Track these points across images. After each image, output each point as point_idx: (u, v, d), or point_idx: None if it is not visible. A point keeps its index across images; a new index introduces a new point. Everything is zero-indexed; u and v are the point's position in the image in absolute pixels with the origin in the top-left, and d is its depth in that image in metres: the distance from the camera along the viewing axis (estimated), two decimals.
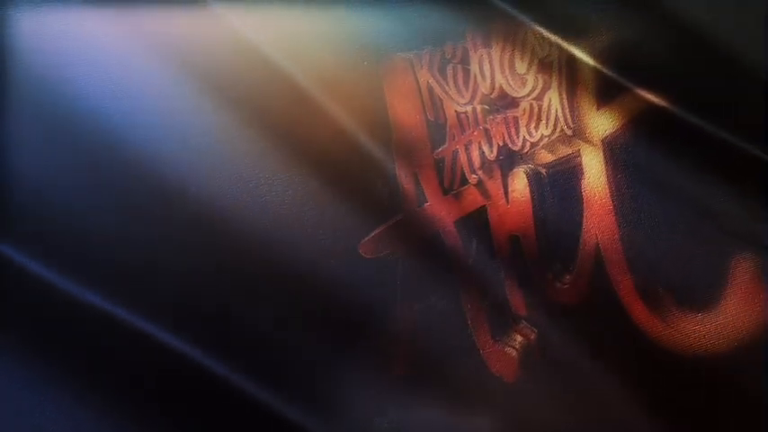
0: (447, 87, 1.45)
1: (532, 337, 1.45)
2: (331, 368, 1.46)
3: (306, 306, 1.46)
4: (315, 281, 1.45)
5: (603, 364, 1.43)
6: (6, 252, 1.41)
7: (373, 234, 1.45)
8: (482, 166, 1.47)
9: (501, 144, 1.45)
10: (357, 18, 1.44)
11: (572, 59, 1.40)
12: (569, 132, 1.41)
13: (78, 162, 1.42)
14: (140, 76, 1.42)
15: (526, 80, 1.42)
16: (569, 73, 1.40)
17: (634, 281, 1.40)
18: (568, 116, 1.40)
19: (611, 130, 1.39)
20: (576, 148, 1.42)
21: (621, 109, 1.39)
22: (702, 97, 1.36)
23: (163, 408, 1.44)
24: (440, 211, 1.48)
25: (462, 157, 1.46)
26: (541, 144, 1.43)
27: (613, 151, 1.39)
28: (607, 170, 1.39)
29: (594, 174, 1.40)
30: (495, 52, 1.42)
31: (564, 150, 1.43)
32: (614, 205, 1.39)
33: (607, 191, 1.39)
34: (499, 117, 1.44)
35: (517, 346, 1.46)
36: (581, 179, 1.42)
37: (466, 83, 1.44)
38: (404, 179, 1.46)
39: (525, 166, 1.45)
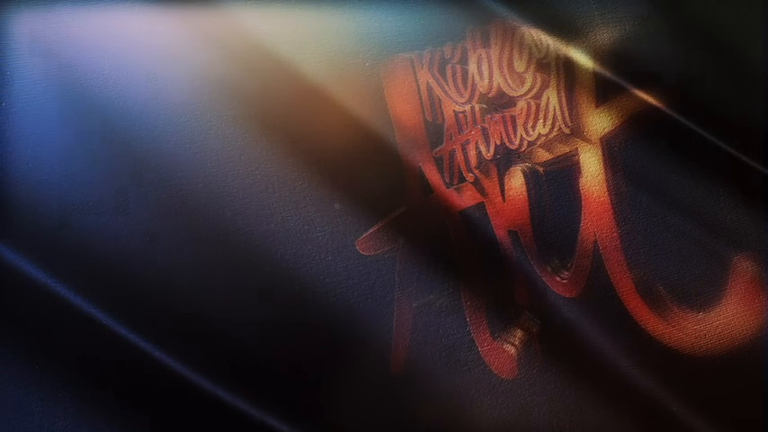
0: (446, 87, 1.46)
1: (535, 330, 1.46)
2: (330, 366, 1.48)
3: (305, 304, 1.47)
4: (314, 278, 1.46)
5: (602, 360, 1.42)
6: (9, 251, 1.45)
7: (372, 230, 1.46)
8: (479, 165, 1.47)
9: (498, 143, 1.45)
10: (359, 19, 1.45)
11: (570, 59, 1.40)
12: (567, 131, 1.41)
13: (81, 160, 1.45)
14: (143, 75, 1.44)
15: (525, 79, 1.42)
16: (567, 72, 1.40)
17: (633, 279, 1.39)
18: (567, 115, 1.40)
19: (610, 129, 1.39)
20: (574, 147, 1.42)
21: (620, 108, 1.38)
22: (701, 96, 1.35)
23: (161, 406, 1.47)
24: (445, 202, 1.49)
25: (459, 156, 1.47)
26: (539, 143, 1.43)
27: (611, 150, 1.39)
28: (605, 168, 1.39)
29: (592, 172, 1.40)
30: (494, 52, 1.43)
31: (562, 149, 1.43)
32: (612, 203, 1.39)
33: (605, 189, 1.39)
34: (497, 116, 1.44)
35: (516, 343, 1.46)
36: (579, 177, 1.42)
37: (465, 82, 1.45)
38: (407, 173, 1.47)
39: (522, 164, 1.45)
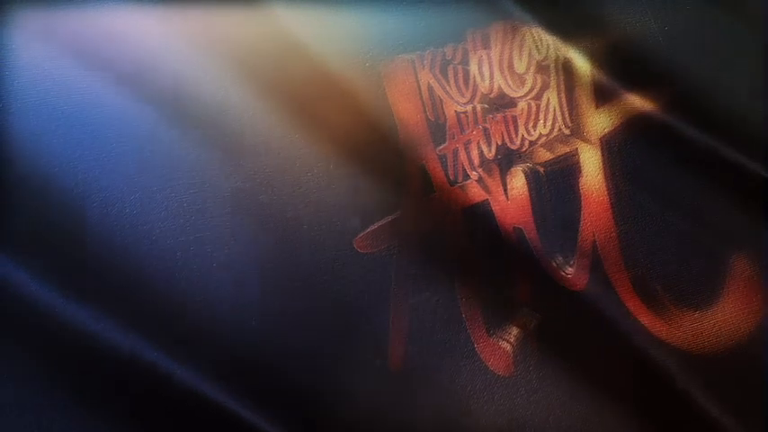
0: (448, 87, 1.47)
1: (532, 325, 1.47)
2: (327, 362, 1.48)
3: (303, 300, 1.48)
4: (313, 276, 1.47)
5: (599, 356, 1.43)
6: (9, 251, 1.44)
7: (371, 228, 1.47)
8: (481, 164, 1.49)
9: (500, 143, 1.47)
10: (359, 20, 1.46)
11: (569, 60, 1.41)
12: (567, 131, 1.43)
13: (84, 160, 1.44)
14: (146, 75, 1.44)
15: (525, 80, 1.44)
16: (567, 73, 1.42)
17: (630, 278, 1.41)
18: (566, 115, 1.42)
19: (609, 129, 1.41)
20: (574, 147, 1.44)
21: (619, 108, 1.40)
22: (700, 97, 1.36)
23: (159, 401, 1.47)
24: (448, 200, 1.50)
25: (462, 154, 1.49)
26: (540, 143, 1.45)
27: (611, 150, 1.41)
28: (604, 168, 1.41)
29: (592, 172, 1.42)
30: (495, 53, 1.44)
31: (562, 149, 1.45)
32: (611, 203, 1.41)
33: (604, 189, 1.41)
34: (498, 116, 1.46)
35: (512, 340, 1.47)
36: (579, 177, 1.44)
37: (466, 83, 1.46)
38: (409, 172, 1.48)
39: (523, 164, 1.47)
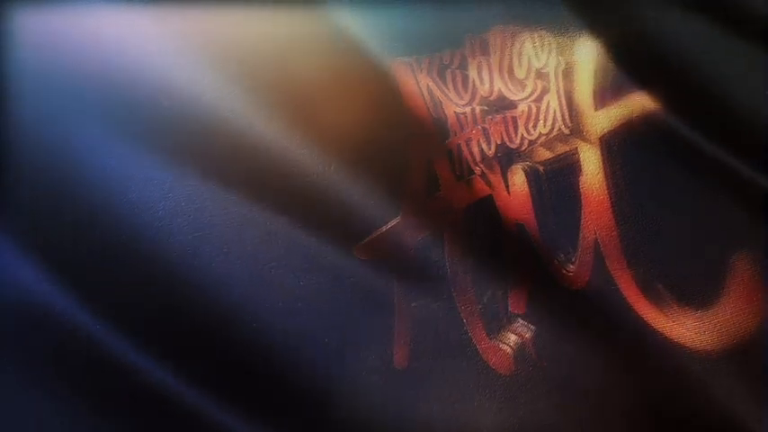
0: (446, 90, 1.49)
1: (528, 336, 1.45)
2: (332, 365, 1.46)
3: (307, 302, 1.46)
4: (315, 278, 1.45)
5: (605, 353, 1.41)
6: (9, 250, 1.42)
7: (374, 234, 1.46)
8: (483, 161, 1.49)
9: (499, 142, 1.48)
10: (360, 23, 1.48)
11: (569, 65, 1.43)
12: (567, 131, 1.44)
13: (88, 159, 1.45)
14: (149, 75, 1.45)
15: (525, 84, 1.46)
16: (567, 78, 1.44)
17: (633, 276, 1.39)
18: (566, 116, 1.44)
19: (609, 130, 1.42)
20: (574, 146, 1.44)
21: (619, 110, 1.41)
22: (700, 98, 1.38)
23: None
24: (452, 198, 1.49)
25: (465, 150, 1.49)
26: (539, 142, 1.46)
27: (611, 149, 1.41)
28: (605, 167, 1.41)
29: (592, 171, 1.42)
30: (494, 59, 1.46)
31: (562, 148, 1.45)
32: (611, 203, 1.40)
33: (605, 188, 1.40)
34: (498, 117, 1.47)
35: (511, 344, 1.45)
36: (579, 176, 1.44)
37: (465, 86, 1.48)
38: (411, 173, 1.48)
39: (523, 163, 1.47)
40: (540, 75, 1.45)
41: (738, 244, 1.38)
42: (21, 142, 1.44)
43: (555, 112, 1.44)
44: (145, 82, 1.44)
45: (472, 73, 1.47)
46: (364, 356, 1.45)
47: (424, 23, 1.48)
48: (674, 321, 1.38)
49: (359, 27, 1.48)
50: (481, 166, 1.48)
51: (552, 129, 1.45)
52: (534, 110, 1.45)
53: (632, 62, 1.41)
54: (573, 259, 1.44)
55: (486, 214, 1.48)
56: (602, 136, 1.42)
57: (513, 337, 1.45)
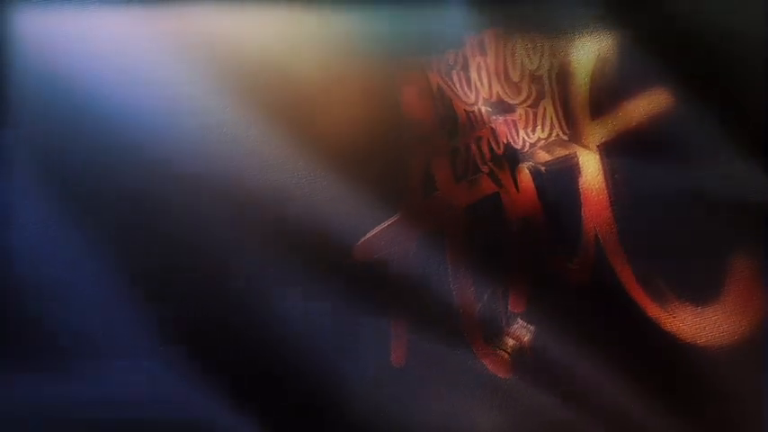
0: (456, 89, 1.51)
1: (526, 338, 1.48)
2: (328, 365, 1.45)
3: (302, 304, 1.45)
4: (315, 278, 1.45)
5: (610, 345, 1.45)
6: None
7: (373, 232, 1.46)
8: (492, 159, 1.52)
9: (505, 142, 1.52)
10: (364, 22, 1.49)
11: (563, 70, 1.48)
12: (565, 137, 1.50)
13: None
14: (149, 76, 1.41)
15: (521, 88, 1.51)
16: (561, 84, 1.50)
17: (634, 273, 1.46)
18: (564, 124, 1.49)
19: (607, 139, 1.47)
20: (573, 151, 1.51)
21: (616, 118, 1.47)
22: (700, 99, 1.44)
23: None
24: (450, 198, 1.50)
25: (474, 149, 1.51)
26: (539, 145, 1.51)
27: (609, 157, 1.46)
28: (604, 173, 1.47)
29: (591, 173, 1.47)
30: (490, 60, 1.50)
31: (561, 152, 1.51)
32: (611, 202, 1.46)
33: (604, 189, 1.46)
34: (501, 119, 1.52)
35: (509, 350, 1.48)
36: (578, 177, 1.50)
37: (469, 87, 1.51)
38: (410, 175, 1.48)
39: (527, 162, 1.52)
40: (534, 78, 1.49)
41: (738, 241, 1.44)
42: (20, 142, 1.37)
43: (552, 118, 1.50)
44: (144, 83, 1.40)
45: (473, 75, 1.51)
46: (361, 357, 1.45)
47: (427, 24, 1.50)
48: (674, 317, 1.45)
49: (361, 27, 1.47)
50: (490, 164, 1.51)
51: (550, 134, 1.51)
52: (531, 115, 1.50)
53: (628, 69, 1.46)
54: (575, 255, 1.50)
55: (490, 212, 1.50)
56: (600, 145, 1.48)
57: (510, 342, 1.48)
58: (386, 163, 1.47)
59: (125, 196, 1.40)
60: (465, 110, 1.51)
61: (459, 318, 1.48)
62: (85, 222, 1.39)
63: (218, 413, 1.38)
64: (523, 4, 1.50)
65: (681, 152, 1.44)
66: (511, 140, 1.52)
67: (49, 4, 1.41)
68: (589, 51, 1.47)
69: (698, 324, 1.45)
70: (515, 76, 1.50)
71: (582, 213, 1.49)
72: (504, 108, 1.52)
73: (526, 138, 1.51)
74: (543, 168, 1.52)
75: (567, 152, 1.51)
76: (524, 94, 1.51)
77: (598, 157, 1.49)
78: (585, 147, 1.49)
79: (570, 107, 1.50)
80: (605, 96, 1.47)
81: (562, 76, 1.49)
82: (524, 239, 1.50)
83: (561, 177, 1.51)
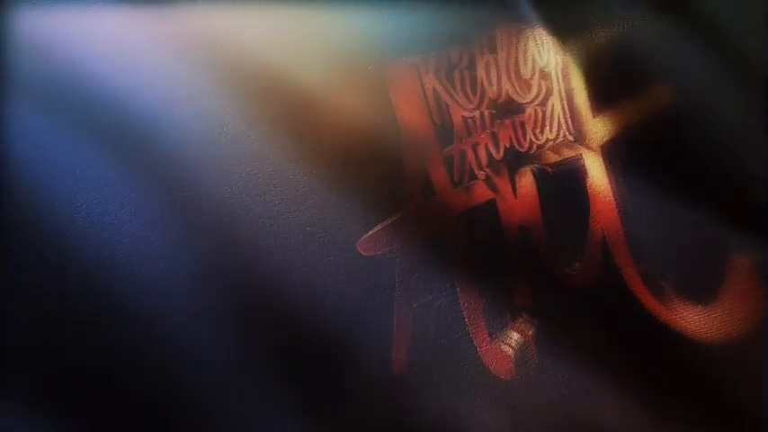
0: (454, 93, 1.47)
1: (531, 333, 1.47)
2: (329, 365, 1.48)
3: (303, 304, 1.47)
4: (315, 278, 1.47)
5: (612, 347, 1.42)
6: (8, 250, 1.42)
7: (373, 231, 1.47)
8: (489, 164, 1.49)
9: (508, 146, 1.48)
10: (363, 22, 1.47)
11: (569, 67, 1.42)
12: (571, 138, 1.44)
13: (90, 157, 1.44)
14: (148, 76, 1.43)
15: (531, 85, 1.45)
16: (566, 80, 1.43)
17: (639, 272, 1.41)
18: (569, 122, 1.44)
19: (608, 138, 1.42)
20: (579, 152, 1.45)
21: (617, 116, 1.41)
22: (702, 99, 1.37)
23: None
24: (448, 204, 1.50)
25: (470, 155, 1.49)
26: (547, 146, 1.46)
27: (612, 157, 1.41)
28: (608, 173, 1.42)
29: (597, 175, 1.43)
30: (501, 57, 1.45)
31: (568, 153, 1.46)
32: (617, 204, 1.41)
33: (609, 190, 1.41)
34: (507, 122, 1.47)
35: (513, 345, 1.48)
36: (586, 178, 1.46)
37: (473, 88, 1.47)
38: (409, 176, 1.48)
39: (531, 165, 1.48)
40: (543, 75, 1.44)
41: (739, 240, 1.39)
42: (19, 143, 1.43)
43: (559, 116, 1.45)
44: (145, 83, 1.43)
45: (480, 72, 1.46)
46: (362, 358, 1.47)
47: (431, 21, 1.46)
48: (676, 315, 1.40)
49: (361, 27, 1.46)
50: (487, 170, 1.49)
51: (558, 135, 1.45)
52: (540, 114, 1.45)
53: (630, 67, 1.40)
54: (579, 258, 1.48)
55: (486, 218, 1.49)
56: (603, 144, 1.42)
57: (514, 340, 1.48)
58: (386, 165, 1.47)
59: (124, 198, 1.44)
60: (463, 116, 1.48)
61: (462, 315, 1.49)
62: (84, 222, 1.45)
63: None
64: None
65: (683, 151, 1.38)
66: (516, 144, 1.47)
67: (49, 4, 1.46)
68: (594, 47, 1.41)
69: (699, 322, 1.39)
70: (526, 73, 1.44)
71: (590, 214, 1.43)
72: (511, 109, 1.46)
73: (534, 140, 1.45)
74: (550, 170, 1.46)
75: (574, 153, 1.45)
76: (534, 92, 1.45)
77: (601, 158, 1.43)
78: (589, 148, 1.44)
79: (575, 104, 1.44)
80: (607, 93, 1.41)
81: (567, 72, 1.42)
82: (521, 246, 1.49)
83: (568, 179, 1.46)
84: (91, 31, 1.42)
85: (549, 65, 1.43)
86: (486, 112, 1.47)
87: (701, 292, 1.41)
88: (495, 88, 1.46)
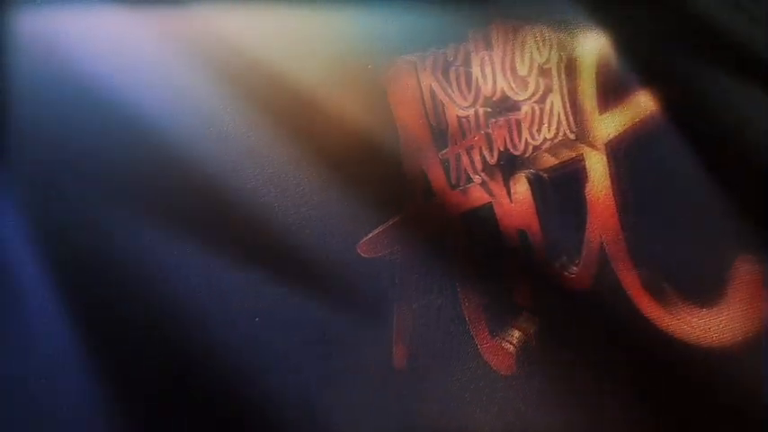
0: (450, 90, 1.45)
1: (532, 330, 1.47)
2: (330, 364, 1.49)
3: (304, 303, 1.49)
4: (316, 277, 1.48)
5: (608, 353, 1.42)
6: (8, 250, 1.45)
7: (373, 233, 1.49)
8: (484, 169, 1.47)
9: (502, 149, 1.44)
10: (361, 20, 1.45)
11: (572, 63, 1.37)
12: (572, 136, 1.39)
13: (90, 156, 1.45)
14: (147, 76, 1.45)
15: (528, 82, 1.40)
16: (570, 77, 1.38)
17: (639, 277, 1.38)
18: (571, 120, 1.38)
19: (615, 134, 1.37)
20: (579, 152, 1.40)
21: (624, 113, 1.37)
22: (704, 99, 1.34)
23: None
24: (448, 205, 1.50)
25: (465, 159, 1.47)
26: (544, 147, 1.42)
27: (616, 155, 1.37)
28: (611, 173, 1.37)
29: (598, 177, 1.38)
30: (497, 54, 1.41)
31: (567, 154, 1.40)
32: (617, 208, 1.37)
33: (611, 193, 1.37)
34: (502, 120, 1.43)
35: (514, 342, 1.48)
36: (585, 182, 1.39)
37: (468, 85, 1.43)
38: (409, 177, 1.49)
39: (527, 170, 1.44)
40: (542, 72, 1.38)
41: (742, 244, 1.36)
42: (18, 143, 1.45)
43: (559, 114, 1.38)
44: (145, 83, 1.43)
45: (475, 70, 1.42)
46: (363, 356, 1.48)
47: (426, 18, 1.43)
48: (679, 319, 1.38)
49: (358, 26, 1.44)
50: (482, 174, 1.47)
51: (557, 133, 1.40)
52: (538, 112, 1.40)
53: (637, 64, 1.36)
54: (576, 261, 1.43)
55: (484, 222, 1.48)
56: (608, 142, 1.37)
57: (515, 338, 1.49)
58: (385, 167, 1.49)
59: (125, 196, 1.46)
60: (458, 115, 1.46)
61: (462, 314, 1.49)
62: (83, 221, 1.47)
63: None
64: None
65: (687, 150, 1.34)
66: (510, 146, 1.43)
67: (49, 4, 1.46)
68: (599, 42, 1.36)
69: (703, 325, 1.37)
70: (523, 70, 1.40)
71: (587, 219, 1.41)
72: (507, 106, 1.43)
73: (530, 140, 1.42)
74: (546, 175, 1.43)
75: (574, 154, 1.40)
76: (532, 89, 1.40)
77: (605, 158, 1.38)
78: (593, 146, 1.38)
79: (578, 101, 1.38)
80: (614, 89, 1.36)
81: (571, 70, 1.37)
82: (520, 248, 1.47)
83: (565, 184, 1.42)
84: (91, 31, 1.43)
85: (549, 61, 1.38)
86: (480, 111, 1.43)
87: (706, 295, 1.39)
88: (489, 86, 1.43)
